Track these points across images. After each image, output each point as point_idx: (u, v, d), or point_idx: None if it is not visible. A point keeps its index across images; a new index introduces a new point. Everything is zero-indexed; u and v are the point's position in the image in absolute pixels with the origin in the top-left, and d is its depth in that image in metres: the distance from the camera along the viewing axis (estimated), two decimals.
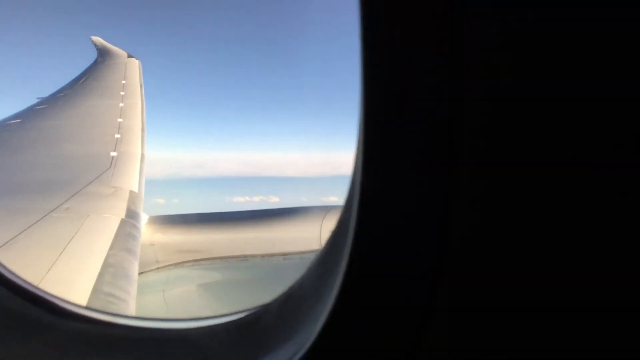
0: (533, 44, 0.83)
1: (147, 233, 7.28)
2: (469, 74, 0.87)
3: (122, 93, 13.72)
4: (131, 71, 16.63)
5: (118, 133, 10.26)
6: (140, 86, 14.95)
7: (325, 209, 7.11)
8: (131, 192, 7.17)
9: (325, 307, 1.12)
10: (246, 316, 1.48)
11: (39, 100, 13.91)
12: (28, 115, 11.93)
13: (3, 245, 4.32)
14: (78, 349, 1.55)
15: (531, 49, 0.83)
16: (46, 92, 14.94)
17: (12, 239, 4.49)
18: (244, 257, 7.06)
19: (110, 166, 8.11)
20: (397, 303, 1.03)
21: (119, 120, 11.30)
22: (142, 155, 9.47)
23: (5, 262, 1.84)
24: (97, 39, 21.19)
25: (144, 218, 7.22)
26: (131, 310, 4.02)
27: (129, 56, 18.92)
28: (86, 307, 1.69)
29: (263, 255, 6.96)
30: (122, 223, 5.75)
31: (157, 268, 7.42)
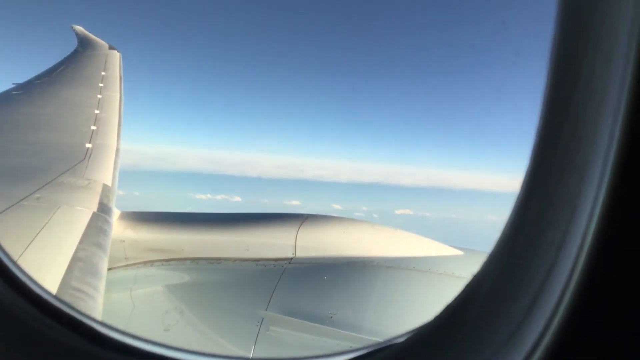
0: None
1: (117, 228, 7.13)
2: None
3: (101, 85, 13.52)
4: (111, 63, 16.39)
5: (94, 125, 10.12)
6: (120, 79, 14.76)
7: (302, 218, 7.03)
8: (104, 185, 7.04)
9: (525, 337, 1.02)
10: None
11: (14, 85, 13.60)
12: (3, 99, 11.66)
13: None
14: None
15: None
16: (22, 78, 14.62)
17: None
18: (216, 260, 6.95)
19: (85, 158, 7.98)
20: None
21: (96, 112, 11.14)
22: (117, 149, 9.34)
23: None
24: (79, 28, 20.84)
25: (115, 213, 7.08)
26: (98, 306, 3.91)
27: (110, 48, 18.66)
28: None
29: (235, 259, 6.85)
30: (94, 217, 5.63)
31: (126, 265, 7.27)
